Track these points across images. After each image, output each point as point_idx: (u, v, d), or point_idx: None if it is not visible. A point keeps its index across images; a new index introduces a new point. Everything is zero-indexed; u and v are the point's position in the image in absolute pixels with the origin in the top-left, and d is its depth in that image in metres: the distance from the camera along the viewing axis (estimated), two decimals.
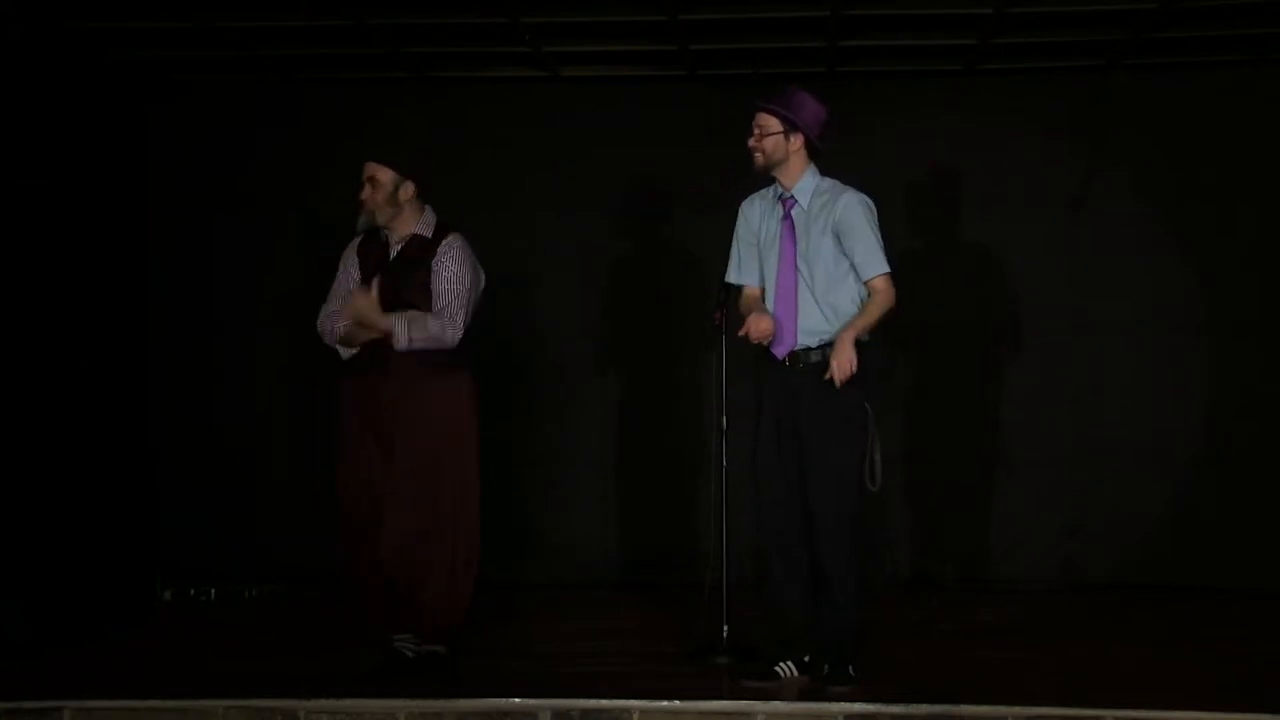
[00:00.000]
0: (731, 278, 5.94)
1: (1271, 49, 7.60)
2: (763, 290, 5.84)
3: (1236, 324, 7.93)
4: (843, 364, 5.55)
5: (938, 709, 5.26)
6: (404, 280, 5.89)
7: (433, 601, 5.85)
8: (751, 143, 5.75)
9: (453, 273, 5.88)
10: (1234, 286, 7.94)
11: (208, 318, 8.26)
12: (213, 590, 7.76)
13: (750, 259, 5.88)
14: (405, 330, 5.79)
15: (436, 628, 5.90)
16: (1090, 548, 7.97)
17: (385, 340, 5.82)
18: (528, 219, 8.10)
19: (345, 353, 5.95)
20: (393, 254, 5.95)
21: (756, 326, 5.70)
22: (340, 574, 6.01)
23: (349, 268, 6.01)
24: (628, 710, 5.37)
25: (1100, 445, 7.98)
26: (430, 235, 5.96)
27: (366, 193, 5.97)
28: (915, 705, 5.29)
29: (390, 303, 5.86)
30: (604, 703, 5.38)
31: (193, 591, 7.76)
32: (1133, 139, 8.01)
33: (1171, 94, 7.95)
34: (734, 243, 5.92)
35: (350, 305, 5.86)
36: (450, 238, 5.95)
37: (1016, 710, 5.24)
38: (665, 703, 5.39)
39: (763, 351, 5.77)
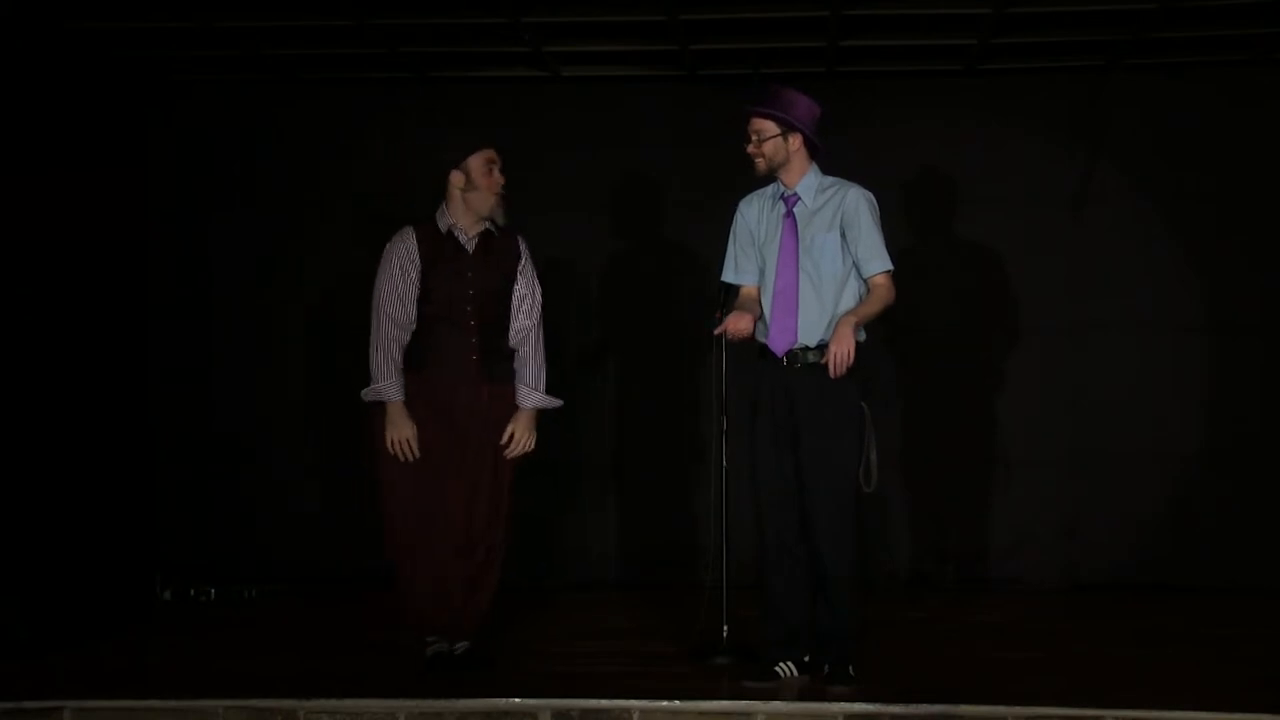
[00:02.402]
0: (728, 277, 5.92)
1: (1271, 49, 7.60)
2: (759, 289, 5.85)
3: (1236, 324, 7.93)
4: (841, 352, 5.51)
5: (938, 709, 5.26)
6: (489, 282, 5.88)
7: (482, 601, 5.90)
8: (750, 149, 5.73)
9: (538, 291, 5.99)
10: (1234, 286, 7.94)
11: (208, 318, 8.26)
12: (213, 590, 7.76)
13: (747, 258, 5.87)
14: (550, 402, 5.95)
15: (478, 627, 5.94)
16: (1090, 548, 7.97)
17: (469, 351, 5.81)
18: (527, 219, 8.07)
19: (368, 399, 5.86)
20: (470, 249, 5.88)
21: (735, 325, 5.71)
22: (393, 576, 5.91)
23: (406, 265, 5.82)
24: (628, 710, 5.37)
25: (1100, 445, 7.98)
26: (497, 235, 5.93)
27: (499, 179, 5.86)
28: (915, 705, 5.29)
29: (478, 302, 5.83)
30: (604, 703, 5.39)
31: (193, 591, 7.76)
32: (1133, 139, 8.01)
33: (1171, 94, 7.96)
34: (730, 242, 5.91)
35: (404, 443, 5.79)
36: (523, 243, 5.99)
37: (1016, 710, 5.24)
38: (665, 703, 5.39)
39: (761, 351, 5.78)
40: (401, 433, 5.79)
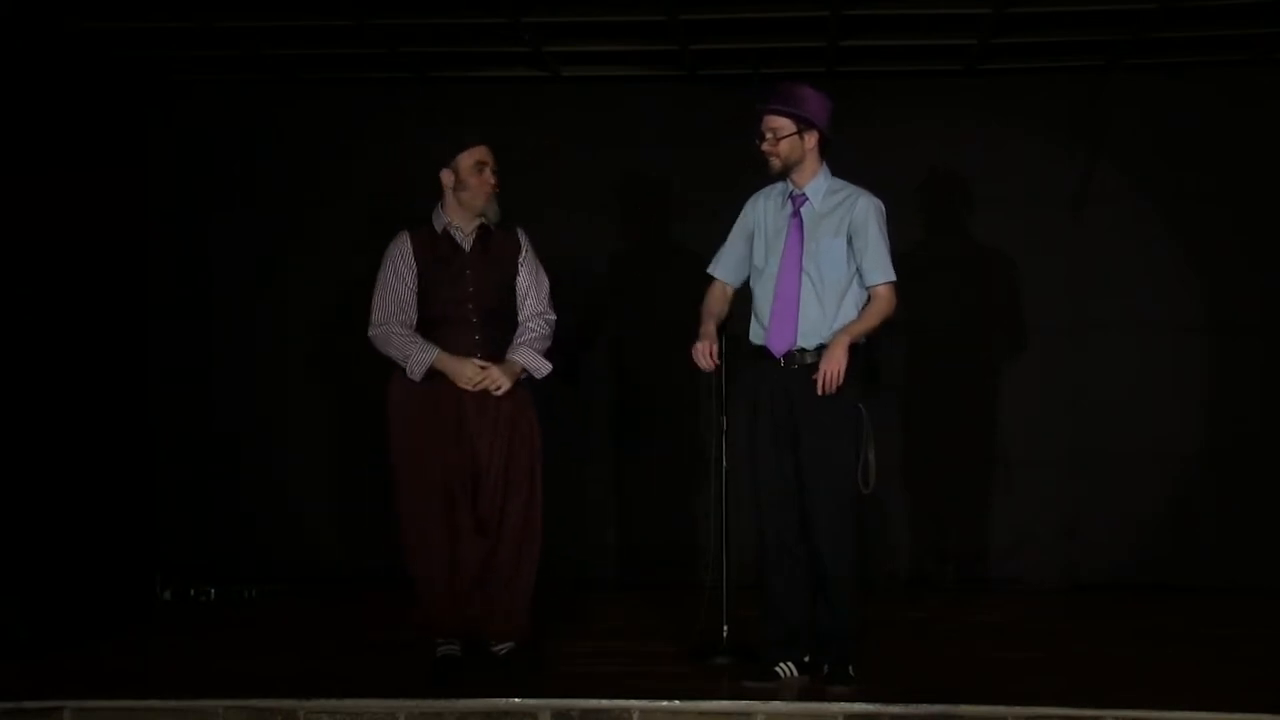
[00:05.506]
0: (711, 268, 5.93)
1: (1272, 49, 7.60)
2: (736, 290, 5.87)
3: (1236, 324, 7.93)
4: (831, 370, 5.53)
5: (938, 709, 5.26)
6: (488, 279, 5.84)
7: (518, 600, 5.89)
8: (766, 148, 5.71)
9: (542, 281, 5.94)
10: (1234, 286, 7.94)
11: (208, 318, 8.26)
12: (213, 590, 7.76)
13: (732, 255, 5.88)
14: (539, 361, 5.85)
15: (519, 627, 5.92)
16: (1090, 548, 7.97)
17: (474, 350, 5.76)
18: (527, 219, 8.07)
19: (419, 375, 5.75)
20: (467, 247, 5.85)
21: (698, 360, 5.77)
22: (412, 576, 5.88)
23: (401, 269, 5.80)
24: (628, 710, 5.37)
25: (1100, 445, 7.98)
26: (493, 230, 5.89)
27: (490, 178, 5.83)
28: (915, 705, 5.29)
29: (478, 299, 5.79)
30: (604, 703, 5.39)
31: (193, 591, 7.76)
32: (1133, 139, 8.01)
33: (1171, 94, 7.95)
34: (730, 235, 5.92)
35: (478, 375, 5.73)
36: (523, 235, 5.96)
37: (1016, 710, 5.24)
38: (665, 703, 5.39)
39: (759, 351, 5.77)
40: (465, 371, 5.72)
